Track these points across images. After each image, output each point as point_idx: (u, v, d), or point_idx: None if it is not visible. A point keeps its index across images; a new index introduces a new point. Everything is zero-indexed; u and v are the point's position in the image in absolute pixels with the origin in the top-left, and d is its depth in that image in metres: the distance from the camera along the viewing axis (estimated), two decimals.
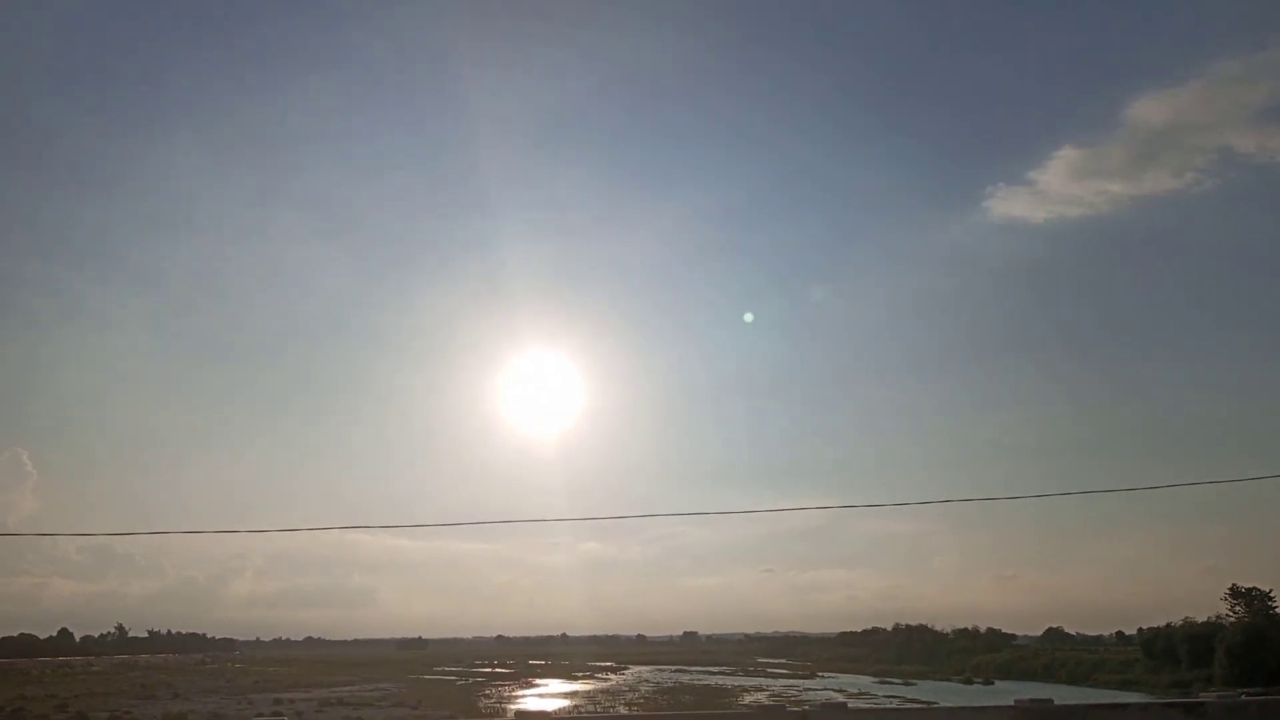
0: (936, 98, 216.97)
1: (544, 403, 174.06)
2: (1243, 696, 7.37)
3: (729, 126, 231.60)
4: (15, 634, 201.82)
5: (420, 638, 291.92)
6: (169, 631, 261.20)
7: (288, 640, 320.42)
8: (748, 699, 65.08)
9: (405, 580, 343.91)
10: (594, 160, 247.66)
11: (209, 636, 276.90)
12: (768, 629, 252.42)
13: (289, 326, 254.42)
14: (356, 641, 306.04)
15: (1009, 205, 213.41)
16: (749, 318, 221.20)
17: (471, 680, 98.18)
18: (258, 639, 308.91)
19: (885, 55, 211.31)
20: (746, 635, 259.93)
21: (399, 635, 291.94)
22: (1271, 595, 79.80)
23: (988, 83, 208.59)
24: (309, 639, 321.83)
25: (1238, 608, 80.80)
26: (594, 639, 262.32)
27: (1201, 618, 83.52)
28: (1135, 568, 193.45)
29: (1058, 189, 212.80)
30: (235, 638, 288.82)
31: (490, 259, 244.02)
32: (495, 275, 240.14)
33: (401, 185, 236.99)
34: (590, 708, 58.86)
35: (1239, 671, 69.13)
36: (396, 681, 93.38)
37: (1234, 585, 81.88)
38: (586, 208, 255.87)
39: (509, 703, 63.17)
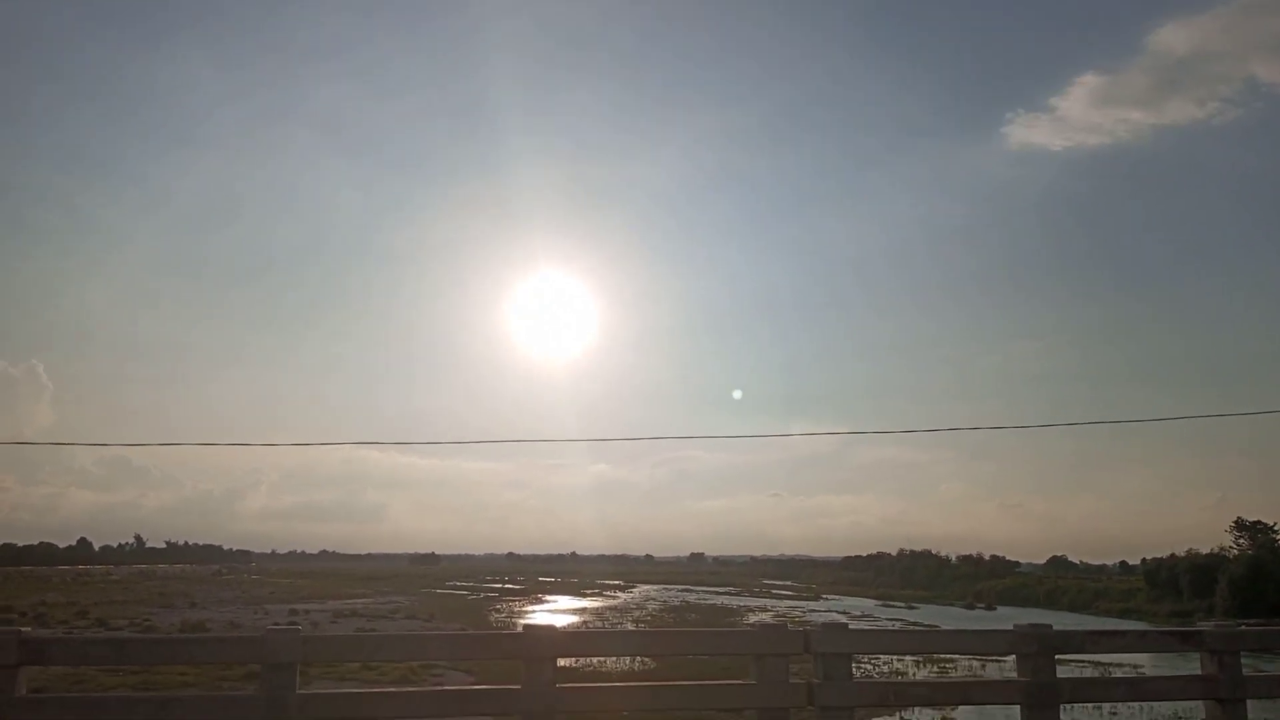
0: (956, 22, 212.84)
1: (557, 325, 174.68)
2: (1241, 627, 7.47)
3: (743, 48, 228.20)
4: (35, 542, 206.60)
5: (433, 553, 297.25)
6: (186, 543, 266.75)
7: (302, 553, 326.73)
8: (752, 619, 66.25)
9: (417, 497, 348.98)
10: (607, 82, 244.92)
11: (225, 548, 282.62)
12: (774, 552, 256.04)
13: (304, 245, 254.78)
14: (369, 555, 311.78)
15: (1028, 132, 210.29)
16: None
17: (482, 595, 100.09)
18: (273, 551, 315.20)
19: None
20: (753, 558, 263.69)
21: (411, 551, 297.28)
22: (1276, 528, 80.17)
23: (1009, 7, 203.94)
24: (323, 552, 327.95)
25: (1241, 540, 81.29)
26: (603, 558, 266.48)
27: (1206, 549, 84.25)
28: (1141, 499, 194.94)
29: (1078, 116, 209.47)
30: (251, 550, 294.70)
31: (504, 181, 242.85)
32: (510, 198, 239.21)
33: (416, 105, 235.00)
34: (598, 623, 60.08)
35: (1240, 603, 69.92)
36: (409, 595, 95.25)
37: (1239, 518, 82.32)
38: (599, 130, 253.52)
39: (518, 617, 64.53)
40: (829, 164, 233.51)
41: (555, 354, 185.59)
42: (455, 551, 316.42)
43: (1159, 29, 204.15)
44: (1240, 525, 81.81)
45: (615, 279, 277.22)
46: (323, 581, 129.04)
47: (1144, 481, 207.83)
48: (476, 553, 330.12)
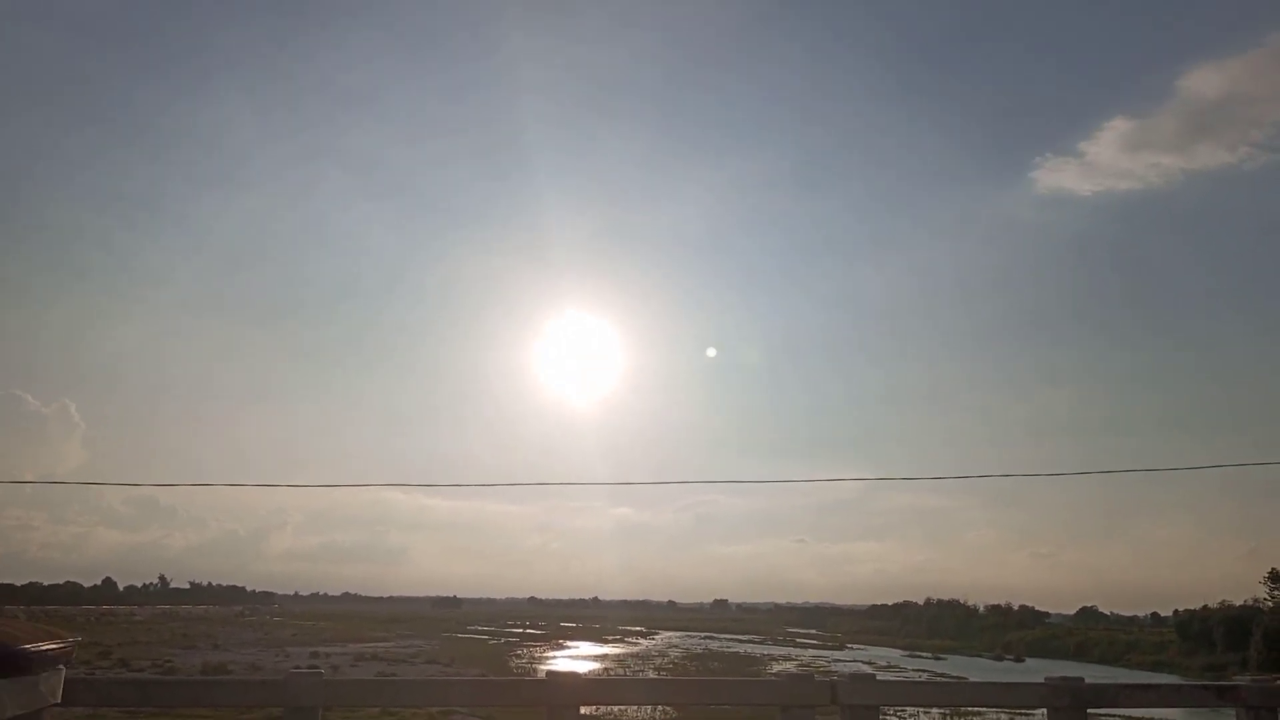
0: (984, 67, 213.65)
1: (583, 368, 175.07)
2: (1279, 682, 7.30)
3: (773, 94, 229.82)
4: (61, 581, 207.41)
5: (454, 597, 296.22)
6: (210, 583, 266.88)
7: (325, 595, 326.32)
8: (776, 668, 65.39)
9: (440, 539, 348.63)
10: (637, 127, 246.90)
11: (248, 589, 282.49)
12: (798, 599, 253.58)
13: (337, 286, 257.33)
14: (392, 598, 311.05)
15: (1057, 177, 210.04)
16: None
17: (504, 640, 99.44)
18: (296, 593, 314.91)
19: (933, 22, 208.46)
20: (777, 605, 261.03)
21: (433, 594, 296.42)
22: None
23: (1039, 51, 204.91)
24: (346, 594, 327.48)
25: (1276, 591, 79.68)
26: (625, 603, 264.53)
27: (1239, 601, 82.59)
28: (1173, 549, 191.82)
29: (1108, 161, 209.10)
30: (274, 591, 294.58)
31: (534, 224, 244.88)
32: (539, 241, 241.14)
33: (448, 149, 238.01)
34: (620, 670, 59.46)
35: (1276, 656, 68.34)
36: (430, 638, 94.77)
37: (1273, 569, 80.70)
38: (630, 175, 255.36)
39: (540, 663, 63.98)
40: (858, 209, 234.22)
41: (581, 397, 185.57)
42: (477, 595, 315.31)
43: (1189, 73, 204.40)
44: (1275, 577, 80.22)
45: (643, 322, 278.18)
46: (344, 624, 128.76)
47: (1175, 531, 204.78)
48: (499, 596, 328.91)
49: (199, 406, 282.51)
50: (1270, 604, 78.65)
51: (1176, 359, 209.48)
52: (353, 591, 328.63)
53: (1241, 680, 7.22)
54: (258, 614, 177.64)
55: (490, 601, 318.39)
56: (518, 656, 71.81)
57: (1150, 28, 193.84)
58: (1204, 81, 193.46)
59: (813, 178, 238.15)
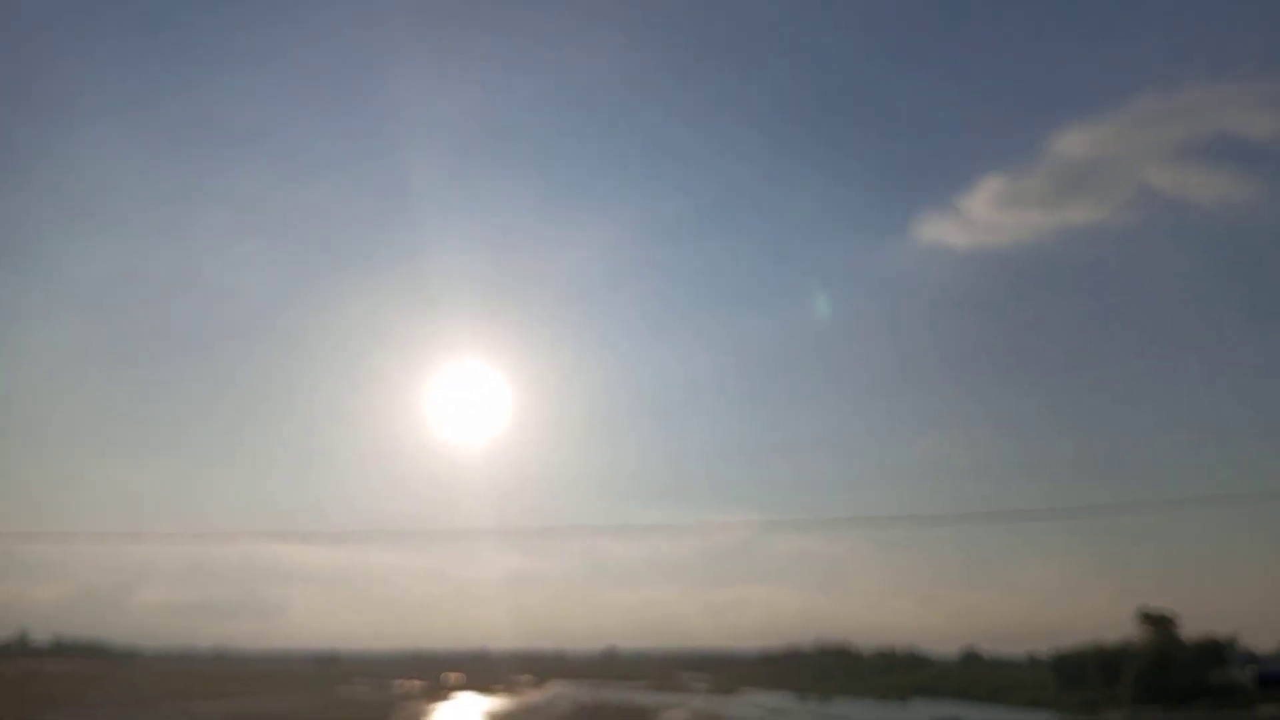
0: (869, 123, 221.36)
1: (471, 414, 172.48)
2: (1144, 716, 7.32)
3: (664, 144, 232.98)
4: None
5: (334, 650, 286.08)
6: (74, 639, 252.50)
7: (197, 650, 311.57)
8: (667, 716, 64.79)
9: (321, 591, 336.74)
10: (528, 173, 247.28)
11: (116, 644, 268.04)
12: (690, 644, 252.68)
13: (209, 328, 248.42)
14: (268, 653, 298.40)
15: (936, 231, 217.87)
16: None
17: (386, 694, 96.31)
18: (166, 648, 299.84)
19: (819, 79, 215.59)
20: (668, 651, 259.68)
21: (313, 647, 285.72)
22: (1177, 619, 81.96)
23: (919, 110, 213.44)
24: (219, 650, 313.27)
25: (1146, 630, 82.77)
26: (514, 653, 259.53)
27: (1112, 639, 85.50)
28: (1047, 591, 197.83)
29: (983, 216, 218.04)
30: (144, 645, 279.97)
31: (420, 267, 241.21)
32: (425, 284, 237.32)
33: (330, 189, 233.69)
34: None
35: (1145, 693, 70.83)
36: (308, 695, 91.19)
37: (1142, 610, 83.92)
38: (520, 220, 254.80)
39: (423, 717, 62.04)
40: (748, 259, 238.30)
41: (470, 443, 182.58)
42: (360, 647, 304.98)
43: (1060, 134, 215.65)
44: (1144, 617, 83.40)
45: (535, 368, 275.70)
46: (217, 681, 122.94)
47: (1048, 573, 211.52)
48: (383, 648, 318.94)
49: (60, 454, 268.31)
50: (1140, 643, 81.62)
51: (1054, 405, 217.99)
52: (227, 646, 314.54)
53: (1113, 716, 7.23)
54: (125, 670, 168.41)
55: (373, 654, 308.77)
56: (400, 712, 69.58)
57: (1022, 90, 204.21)
58: (1073, 142, 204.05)
59: (703, 227, 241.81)
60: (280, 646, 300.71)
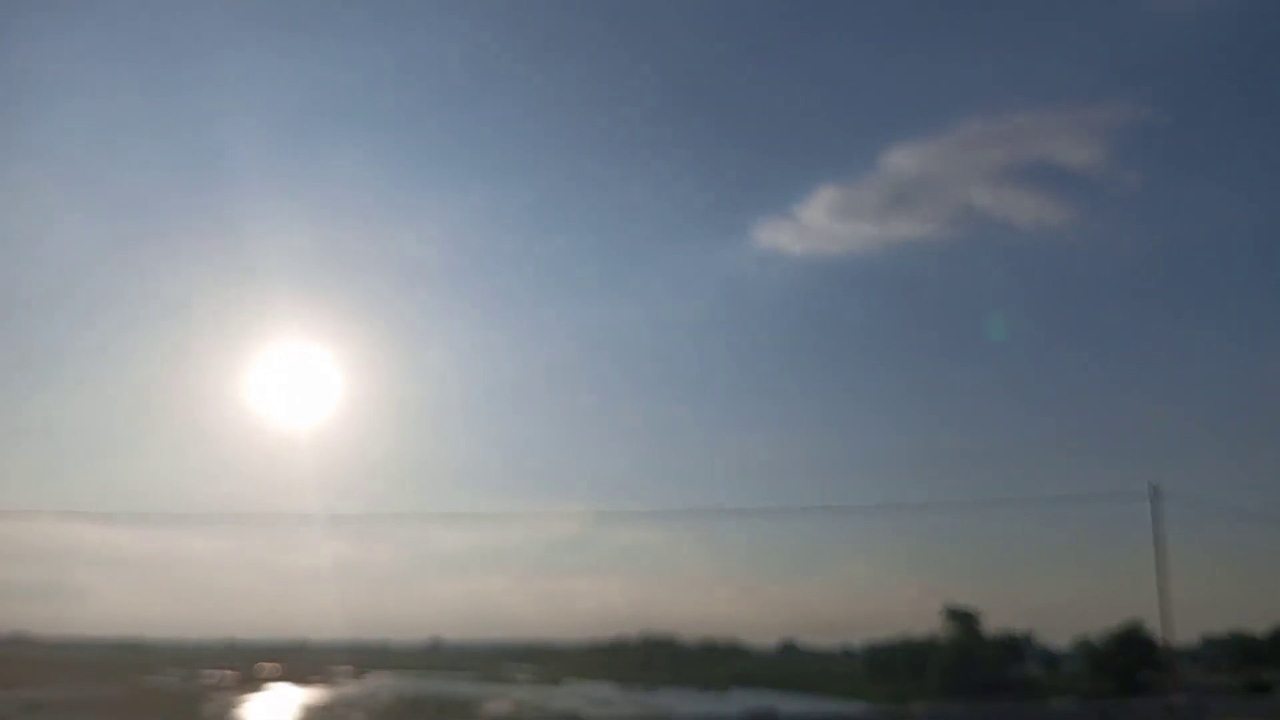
0: (717, 126, 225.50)
1: (296, 396, 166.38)
2: (947, 709, 7.84)
3: (510, 131, 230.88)
4: None
5: (141, 638, 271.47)
6: None
7: None
8: (489, 708, 64.45)
9: (130, 576, 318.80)
10: (365, 153, 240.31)
11: None
12: (518, 635, 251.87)
13: (9, 291, 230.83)
14: (69, 640, 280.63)
15: (775, 236, 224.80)
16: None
17: (195, 685, 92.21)
18: None
19: (670, 79, 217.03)
20: (495, 642, 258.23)
21: (118, 634, 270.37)
22: (979, 615, 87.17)
23: (764, 116, 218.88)
24: (14, 635, 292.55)
25: (950, 626, 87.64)
26: (337, 644, 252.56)
27: (920, 633, 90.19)
28: (860, 585, 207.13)
29: (818, 225, 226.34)
30: None
31: (243, 240, 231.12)
32: (248, 258, 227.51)
33: (149, 153, 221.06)
34: (325, 718, 56.57)
35: (950, 685, 75.20)
36: (112, 684, 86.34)
37: (948, 606, 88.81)
38: (356, 200, 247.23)
39: (234, 710, 59.76)
40: (592, 253, 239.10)
41: (295, 426, 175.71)
42: (171, 635, 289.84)
43: (891, 150, 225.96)
44: (950, 613, 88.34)
45: (367, 351, 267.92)
46: (12, 669, 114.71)
47: (864, 568, 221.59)
48: (196, 637, 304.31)
49: None
50: (944, 637, 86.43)
51: (877, 407, 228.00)
52: (24, 631, 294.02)
53: (918, 707, 7.71)
54: None
55: (184, 643, 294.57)
56: (210, 703, 66.80)
57: (861, 106, 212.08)
58: (903, 159, 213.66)
59: (548, 219, 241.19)
60: (82, 633, 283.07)
